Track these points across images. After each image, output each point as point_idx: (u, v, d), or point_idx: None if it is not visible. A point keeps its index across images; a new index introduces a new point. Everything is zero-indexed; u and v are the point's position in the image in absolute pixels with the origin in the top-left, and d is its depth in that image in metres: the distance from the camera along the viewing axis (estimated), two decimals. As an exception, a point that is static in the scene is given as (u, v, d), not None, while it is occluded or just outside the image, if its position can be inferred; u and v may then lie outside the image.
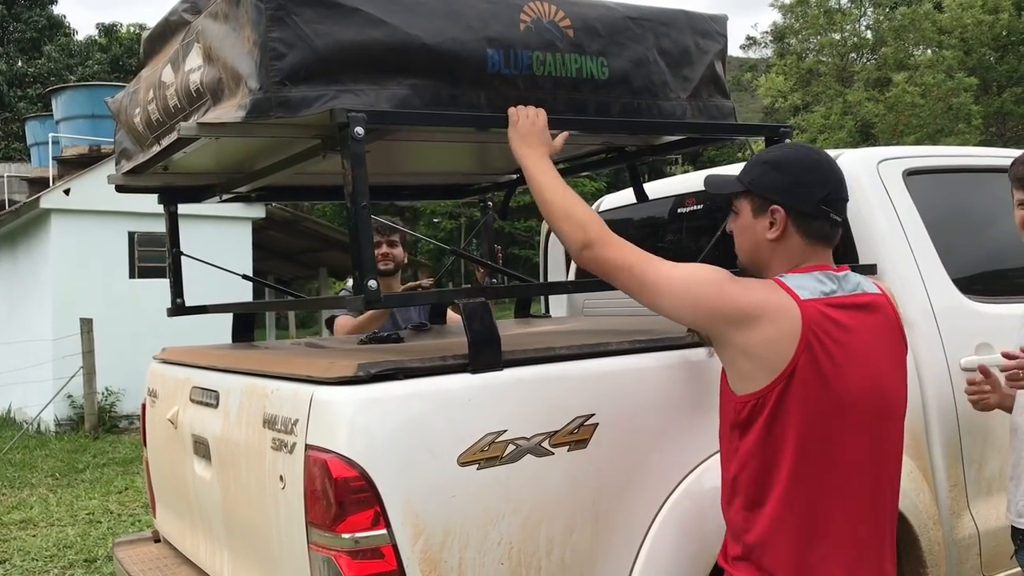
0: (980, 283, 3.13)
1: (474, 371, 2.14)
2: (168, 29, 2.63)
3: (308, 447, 2.06)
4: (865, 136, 23.76)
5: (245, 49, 2.12)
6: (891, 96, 22.95)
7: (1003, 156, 3.48)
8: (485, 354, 2.15)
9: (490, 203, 3.94)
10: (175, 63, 2.50)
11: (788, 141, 2.72)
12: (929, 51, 25.30)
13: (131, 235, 12.98)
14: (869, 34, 28.63)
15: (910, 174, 3.10)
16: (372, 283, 2.10)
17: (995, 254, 3.33)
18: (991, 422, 2.96)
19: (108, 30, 36.38)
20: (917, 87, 22.56)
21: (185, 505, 2.95)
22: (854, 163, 3.06)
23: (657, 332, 2.56)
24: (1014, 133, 25.37)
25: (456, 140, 2.75)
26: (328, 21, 2.10)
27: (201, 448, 2.71)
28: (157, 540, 3.39)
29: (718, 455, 2.38)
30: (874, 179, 3.02)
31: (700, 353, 2.47)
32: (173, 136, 2.40)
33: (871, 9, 28.86)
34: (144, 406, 3.39)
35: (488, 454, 2.08)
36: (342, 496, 1.97)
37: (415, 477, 2.01)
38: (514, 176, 3.67)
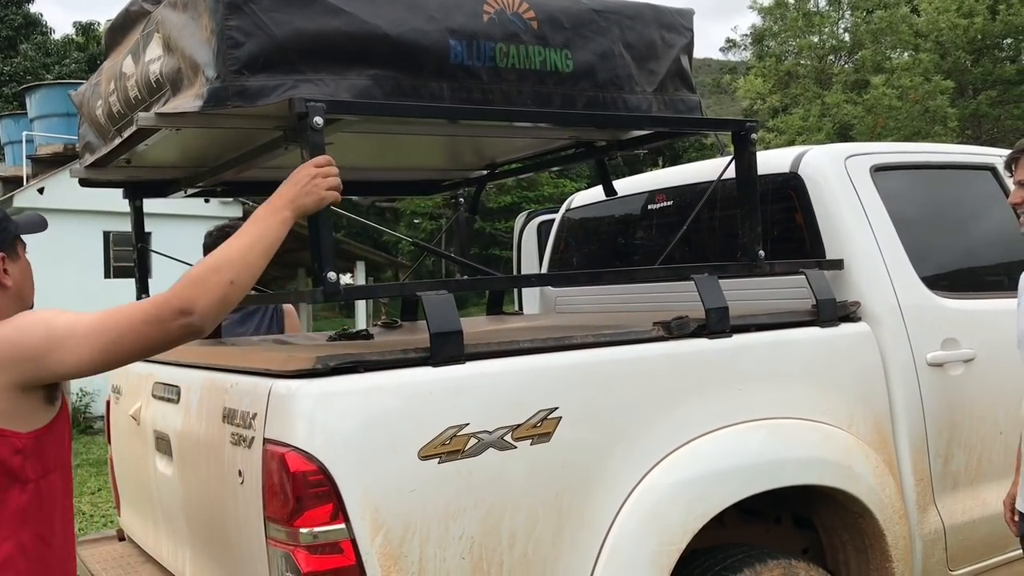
0: (946, 279, 3.14)
1: (435, 364, 2.12)
2: (129, 19, 2.60)
3: (266, 441, 2.03)
4: (843, 138, 23.86)
5: (203, 38, 2.09)
6: (869, 98, 23.09)
7: (970, 153, 3.51)
8: (447, 347, 2.13)
9: (462, 199, 3.92)
10: (135, 54, 2.47)
11: (753, 136, 2.72)
12: (906, 54, 25.47)
13: (106, 235, 12.89)
14: (847, 37, 28.79)
15: (878, 170, 3.10)
16: (331, 275, 2.08)
17: (961, 250, 3.34)
18: (957, 417, 2.98)
19: (85, 29, 36.05)
20: (894, 89, 22.70)
21: (148, 502, 2.92)
22: (822, 158, 3.07)
23: (623, 327, 2.55)
24: (990, 135, 25.55)
25: (422, 133, 2.73)
26: (287, 9, 2.08)
27: (163, 444, 2.68)
28: (122, 539, 3.34)
29: (684, 448, 2.38)
30: (841, 175, 3.02)
31: (664, 347, 2.46)
32: (133, 127, 2.38)
33: (849, 12, 29.03)
34: (108, 403, 3.35)
35: (449, 448, 2.06)
36: (300, 490, 1.95)
37: (375, 471, 1.99)
38: (484, 172, 3.65)
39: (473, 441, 2.10)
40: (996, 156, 3.50)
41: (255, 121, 2.35)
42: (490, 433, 2.12)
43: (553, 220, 4.42)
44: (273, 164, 2.85)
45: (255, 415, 2.09)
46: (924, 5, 24.73)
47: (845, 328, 2.82)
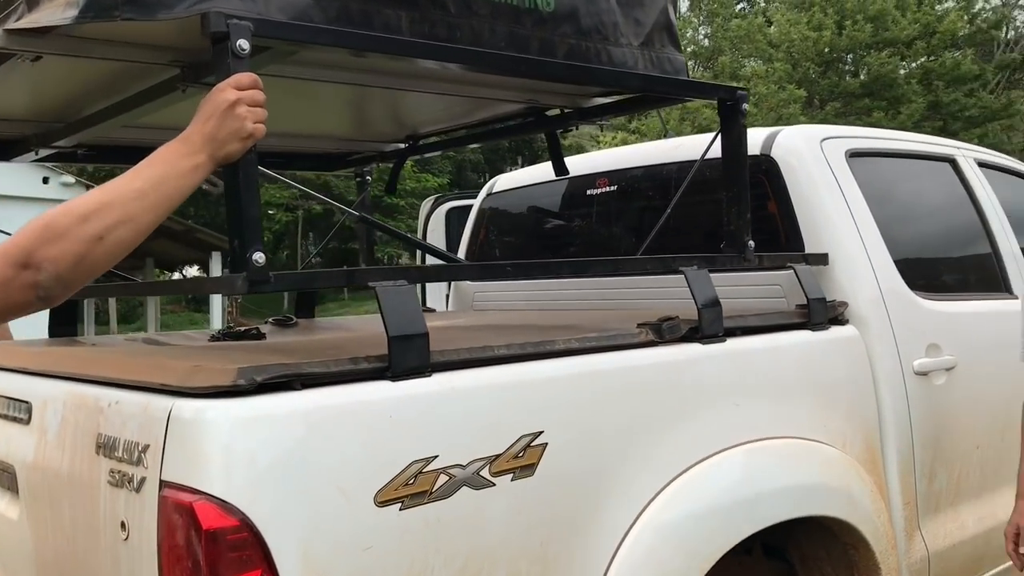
0: (924, 278, 2.84)
1: (394, 377, 1.61)
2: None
3: (164, 484, 1.47)
4: (702, 142, 24.35)
5: (78, -76, 1.51)
6: (727, 104, 23.66)
7: (933, 143, 3.24)
8: (409, 354, 1.62)
9: (368, 177, 3.37)
10: (-25, -41, 1.83)
11: (744, 106, 2.34)
12: (760, 62, 26.28)
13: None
14: (707, 42, 29.50)
15: (853, 155, 2.78)
16: (258, 256, 1.53)
17: (936, 247, 3.07)
18: (940, 431, 2.68)
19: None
20: (751, 97, 23.34)
21: (-20, 549, 2.26)
22: (796, 139, 2.72)
23: (597, 329, 2.10)
24: (836, 145, 26.66)
25: (350, 83, 2.18)
26: None
27: (5, 478, 2.04)
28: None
29: (685, 476, 1.96)
30: (819, 158, 2.68)
31: (657, 354, 2.03)
32: (-30, 54, 1.76)
33: (704, 19, 29.74)
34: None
35: (414, 488, 1.56)
36: (214, 554, 1.40)
37: (319, 524, 1.47)
38: (402, 145, 3.13)
39: (443, 479, 1.60)
40: (954, 148, 3.26)
41: (142, 52, 1.77)
42: (463, 467, 1.63)
43: (462, 206, 3.96)
44: (156, 121, 2.26)
45: (146, 447, 1.52)
46: (777, 16, 25.59)
47: (835, 332, 2.47)
